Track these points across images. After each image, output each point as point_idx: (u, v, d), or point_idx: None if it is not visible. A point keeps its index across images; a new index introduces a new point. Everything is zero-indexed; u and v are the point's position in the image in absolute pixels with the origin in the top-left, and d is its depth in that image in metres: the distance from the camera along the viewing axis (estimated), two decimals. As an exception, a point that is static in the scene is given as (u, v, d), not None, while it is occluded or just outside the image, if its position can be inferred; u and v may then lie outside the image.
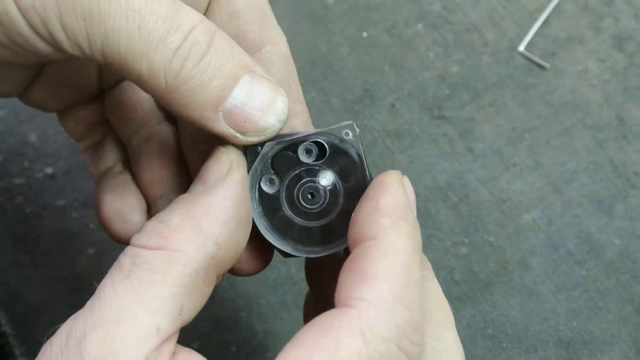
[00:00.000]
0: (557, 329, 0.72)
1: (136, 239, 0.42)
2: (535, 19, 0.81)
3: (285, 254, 0.49)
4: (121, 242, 0.55)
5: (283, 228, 0.48)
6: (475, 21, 0.81)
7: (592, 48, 0.80)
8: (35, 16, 0.40)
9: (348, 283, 0.41)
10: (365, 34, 0.82)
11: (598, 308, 0.72)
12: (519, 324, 0.72)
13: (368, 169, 0.48)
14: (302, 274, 0.74)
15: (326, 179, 0.48)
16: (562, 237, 0.74)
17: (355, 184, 0.48)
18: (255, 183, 0.48)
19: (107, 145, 0.58)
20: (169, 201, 0.52)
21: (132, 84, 0.56)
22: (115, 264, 0.42)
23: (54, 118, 0.79)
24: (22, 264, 0.76)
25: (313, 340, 0.39)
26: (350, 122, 0.48)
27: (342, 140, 0.47)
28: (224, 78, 0.43)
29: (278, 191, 0.48)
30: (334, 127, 0.48)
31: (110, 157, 0.58)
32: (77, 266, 0.76)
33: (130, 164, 0.57)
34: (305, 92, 0.79)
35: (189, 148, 0.55)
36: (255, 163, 0.47)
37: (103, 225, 0.55)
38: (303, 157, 0.48)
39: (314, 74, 0.80)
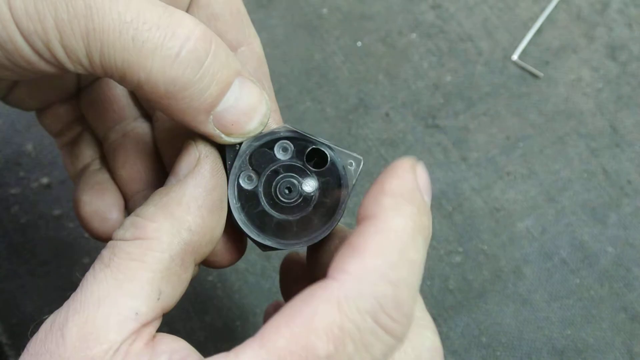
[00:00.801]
0: (551, 337, 0.72)
1: (116, 233, 0.44)
2: (528, 29, 0.82)
3: (265, 247, 0.50)
4: (101, 240, 0.56)
5: (262, 222, 0.50)
6: (469, 31, 0.82)
7: (585, 57, 0.80)
8: (38, 41, 0.41)
9: (339, 256, 0.41)
10: (359, 44, 0.82)
11: (592, 316, 0.73)
12: (513, 332, 0.72)
13: (342, 169, 0.49)
14: (297, 283, 0.74)
15: (310, 186, 0.49)
16: (556, 246, 0.75)
17: (330, 180, 0.49)
18: (234, 180, 0.49)
19: (84, 142, 0.59)
20: (145, 197, 0.54)
21: (108, 81, 0.57)
22: (97, 257, 0.43)
23: (49, 128, 0.80)
24: (18, 273, 0.76)
25: (293, 309, 0.39)
26: (361, 157, 0.50)
27: (318, 140, 0.49)
28: (220, 84, 0.44)
29: (256, 187, 0.49)
30: (342, 149, 0.49)
31: (87, 153, 0.59)
32: (73, 276, 0.76)
33: (107, 161, 0.58)
34: (300, 101, 0.79)
35: (164, 144, 0.56)
36: (234, 161, 0.49)
37: (82, 224, 0.56)
38: (279, 155, 0.49)
39: (308, 83, 0.81)
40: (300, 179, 0.49)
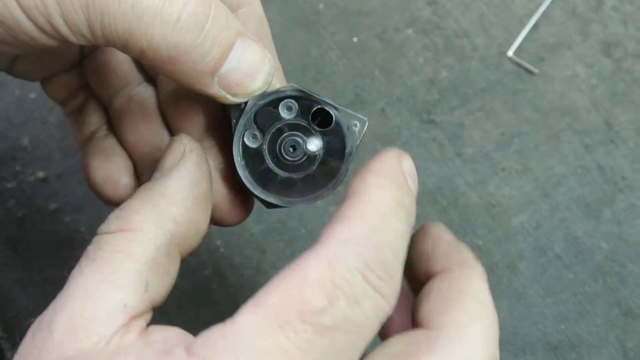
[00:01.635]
0: (546, 332, 0.73)
1: (100, 228, 0.44)
2: (524, 25, 0.82)
3: (269, 204, 0.51)
4: (113, 205, 0.56)
5: (266, 180, 0.51)
6: (465, 27, 0.82)
7: (581, 53, 0.81)
8: (39, 16, 0.42)
9: (325, 228, 0.41)
10: (355, 39, 0.82)
11: (586, 311, 0.73)
12: (508, 327, 0.73)
13: (346, 126, 0.50)
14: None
15: (314, 145, 0.50)
16: (550, 241, 0.75)
17: (335, 138, 0.50)
18: (239, 138, 0.50)
19: (89, 109, 0.60)
20: (153, 159, 0.55)
21: (110, 48, 0.58)
22: (83, 253, 0.43)
23: (46, 122, 0.80)
24: (14, 267, 0.76)
25: (283, 272, 0.39)
26: (366, 119, 0.51)
27: (322, 99, 0.50)
28: (222, 46, 0.45)
29: (261, 145, 0.50)
30: (347, 109, 0.50)
31: (93, 120, 0.59)
32: (69, 270, 0.76)
33: (113, 127, 0.59)
34: (296, 96, 0.80)
35: (168, 106, 0.57)
36: (239, 119, 0.50)
37: (94, 190, 0.57)
38: (284, 113, 0.50)
39: (305, 78, 0.81)
40: (304, 137, 0.50)
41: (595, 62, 0.80)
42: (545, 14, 0.82)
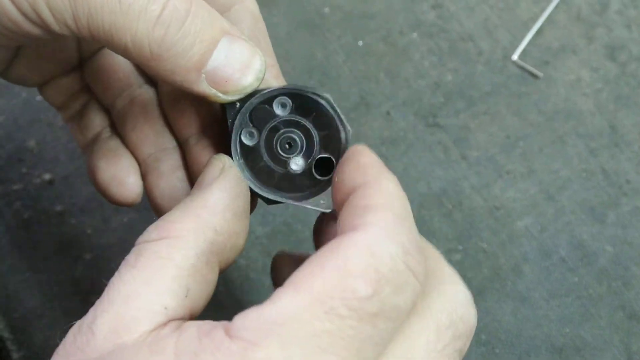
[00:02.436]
0: (550, 335, 0.73)
1: (140, 238, 0.44)
2: (528, 29, 0.82)
3: (269, 201, 0.52)
4: (120, 205, 0.57)
5: (265, 177, 0.51)
6: (470, 30, 0.82)
7: (585, 57, 0.81)
8: (24, 1, 0.42)
9: (350, 216, 0.42)
10: (360, 43, 0.83)
11: (590, 314, 0.73)
12: (512, 329, 0.73)
13: (341, 118, 0.50)
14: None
15: (297, 164, 0.51)
16: (555, 244, 0.75)
17: (329, 132, 0.50)
18: (236, 137, 0.50)
19: (91, 112, 0.60)
20: (157, 159, 0.56)
21: (110, 52, 0.58)
22: (123, 262, 0.44)
23: (52, 124, 0.80)
24: (20, 269, 0.77)
25: (323, 257, 0.39)
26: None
27: (315, 92, 0.50)
28: (205, 42, 0.45)
29: (258, 143, 0.51)
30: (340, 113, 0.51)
31: (96, 122, 0.60)
32: (75, 271, 0.76)
33: (116, 128, 0.59)
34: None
35: (169, 107, 0.57)
36: (235, 119, 0.50)
37: (101, 191, 0.57)
38: (278, 111, 0.50)
39: (310, 81, 0.81)
40: (299, 133, 0.50)
41: (600, 65, 0.81)
42: (549, 18, 0.82)
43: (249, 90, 0.48)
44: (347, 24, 0.83)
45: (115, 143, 0.58)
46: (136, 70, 0.59)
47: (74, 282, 0.76)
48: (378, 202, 0.42)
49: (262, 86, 0.49)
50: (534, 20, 0.83)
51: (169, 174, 0.56)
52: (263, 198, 0.52)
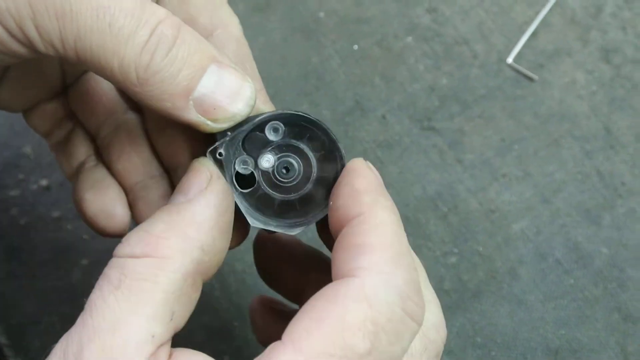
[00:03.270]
0: (546, 337, 0.73)
1: (121, 250, 0.43)
2: (523, 32, 0.82)
3: (271, 232, 0.51)
4: (108, 237, 0.56)
5: (264, 205, 0.50)
6: (465, 34, 0.82)
7: (580, 60, 0.81)
8: (10, 18, 0.41)
9: (344, 258, 0.42)
10: (355, 47, 0.83)
11: (586, 316, 0.73)
12: (508, 332, 0.73)
13: (333, 136, 0.49)
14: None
15: (267, 160, 0.50)
16: (551, 247, 0.75)
17: (325, 153, 0.50)
18: (231, 167, 0.49)
19: (76, 140, 0.59)
20: (145, 186, 0.55)
21: (95, 76, 0.57)
22: (103, 276, 0.43)
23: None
24: (17, 275, 0.77)
25: (320, 310, 0.40)
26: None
27: (304, 114, 0.49)
28: (192, 68, 0.44)
29: (253, 171, 0.49)
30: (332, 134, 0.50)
31: (81, 150, 0.59)
32: (72, 277, 0.76)
33: (101, 156, 0.58)
34: (297, 103, 0.80)
35: (155, 133, 0.56)
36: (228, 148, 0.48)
37: (88, 223, 0.56)
38: (271, 136, 0.49)
39: (306, 86, 0.81)
40: (296, 157, 0.50)
41: (595, 68, 0.81)
42: (544, 21, 0.83)
43: (239, 118, 0.47)
44: (342, 28, 0.83)
45: (101, 173, 0.57)
46: (121, 97, 0.58)
47: (70, 288, 0.76)
48: (373, 242, 0.42)
49: (251, 113, 0.48)
50: (528, 23, 0.83)
51: (159, 202, 0.55)
52: (266, 231, 0.50)
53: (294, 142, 0.50)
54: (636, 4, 0.83)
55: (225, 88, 0.45)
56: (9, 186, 0.79)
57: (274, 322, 0.61)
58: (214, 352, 0.73)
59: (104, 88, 0.58)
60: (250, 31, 0.84)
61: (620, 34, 0.82)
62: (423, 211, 0.77)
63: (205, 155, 0.48)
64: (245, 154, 0.49)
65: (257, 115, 0.49)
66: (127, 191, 0.57)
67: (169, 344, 0.43)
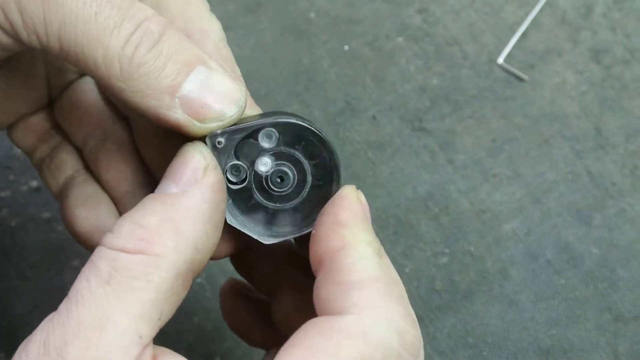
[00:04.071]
0: (537, 337, 0.73)
1: (111, 241, 0.41)
2: (513, 32, 0.83)
3: (264, 244, 0.49)
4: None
5: (256, 214, 0.48)
6: (455, 34, 0.83)
7: (570, 60, 0.81)
8: None
9: (333, 294, 0.42)
10: (346, 47, 0.83)
11: (577, 316, 0.73)
12: (499, 332, 0.73)
13: (329, 142, 0.48)
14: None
15: (264, 164, 0.48)
16: (541, 247, 0.76)
17: (320, 160, 0.48)
18: (222, 177, 0.47)
19: (63, 153, 0.57)
20: (134, 196, 0.53)
21: (82, 86, 0.56)
22: (91, 266, 0.41)
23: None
24: (8, 276, 0.76)
25: (313, 342, 0.40)
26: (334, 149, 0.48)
27: (300, 119, 0.47)
28: (178, 65, 0.43)
29: (246, 180, 0.48)
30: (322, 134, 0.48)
31: (69, 164, 0.57)
32: (63, 278, 0.76)
33: (90, 169, 0.57)
34: (288, 104, 0.80)
35: (144, 143, 0.55)
36: (219, 156, 0.46)
37: (81, 240, 0.55)
38: (264, 143, 0.47)
39: (296, 86, 0.81)
40: (290, 166, 0.48)
41: (585, 68, 0.81)
42: (534, 22, 0.83)
43: (228, 118, 0.45)
44: (333, 29, 0.83)
45: (92, 188, 0.55)
46: (108, 107, 0.57)
47: (61, 289, 0.76)
48: (361, 278, 0.42)
49: (243, 120, 0.46)
50: (519, 23, 0.83)
51: None
52: (258, 242, 0.48)
53: (287, 149, 0.48)
54: (626, 4, 0.83)
55: (213, 87, 0.44)
56: (0, 187, 0.79)
57: (244, 308, 0.60)
58: (204, 353, 0.73)
59: (91, 99, 0.56)
60: (241, 32, 0.84)
61: (610, 35, 0.82)
62: (414, 212, 0.77)
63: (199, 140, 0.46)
64: (238, 161, 0.47)
65: (249, 120, 0.47)
66: (115, 201, 0.55)
67: (152, 343, 0.41)
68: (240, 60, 0.52)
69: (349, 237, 0.43)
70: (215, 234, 0.45)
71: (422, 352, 0.44)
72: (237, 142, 0.47)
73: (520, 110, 0.80)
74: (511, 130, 0.79)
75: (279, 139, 0.47)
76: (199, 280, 0.75)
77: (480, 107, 0.80)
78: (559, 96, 0.80)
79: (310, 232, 0.47)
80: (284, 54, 0.83)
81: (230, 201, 0.48)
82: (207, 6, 0.53)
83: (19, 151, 0.80)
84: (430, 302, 0.74)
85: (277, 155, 0.48)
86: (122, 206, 0.55)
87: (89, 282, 0.40)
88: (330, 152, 0.48)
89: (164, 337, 0.43)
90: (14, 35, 0.42)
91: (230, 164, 0.47)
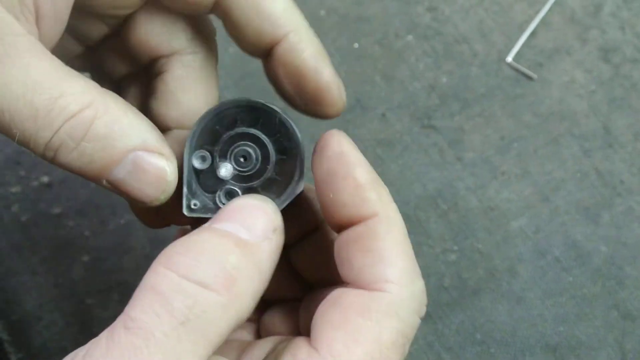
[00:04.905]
0: (545, 334, 0.73)
1: (189, 271, 0.39)
2: (523, 31, 0.83)
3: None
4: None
5: (229, 198, 0.48)
6: (465, 33, 0.83)
7: (579, 59, 0.82)
8: None
9: (368, 265, 0.43)
10: (356, 45, 0.83)
11: (584, 314, 0.74)
12: (507, 329, 0.73)
13: (285, 116, 0.49)
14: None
15: (225, 170, 0.48)
16: (549, 245, 0.76)
17: (279, 137, 0.49)
18: (189, 166, 0.48)
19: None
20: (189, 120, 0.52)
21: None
22: (161, 299, 0.38)
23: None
24: (18, 271, 0.77)
25: (356, 325, 0.41)
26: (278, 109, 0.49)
27: (252, 101, 0.48)
28: (101, 162, 0.42)
29: (212, 164, 0.48)
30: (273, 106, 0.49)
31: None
32: (73, 274, 0.76)
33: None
34: (297, 102, 0.80)
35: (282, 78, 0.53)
36: (187, 142, 0.48)
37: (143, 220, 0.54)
38: (224, 127, 0.48)
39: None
40: (252, 145, 0.48)
41: (594, 67, 0.81)
42: (544, 20, 0.83)
43: (155, 202, 0.44)
44: (343, 26, 0.84)
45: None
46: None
47: (71, 284, 0.76)
48: (392, 250, 0.43)
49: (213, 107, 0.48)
50: (528, 22, 0.83)
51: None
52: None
53: (246, 129, 0.48)
54: (635, 3, 0.83)
55: (140, 176, 0.43)
56: (10, 183, 0.79)
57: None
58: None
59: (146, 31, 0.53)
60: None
61: (619, 34, 0.82)
62: (423, 209, 0.77)
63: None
64: (201, 148, 0.48)
65: (210, 110, 0.48)
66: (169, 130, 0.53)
67: None
68: (250, 59, 0.52)
69: (377, 200, 0.44)
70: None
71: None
72: (200, 131, 0.48)
73: (529, 109, 0.80)
74: (520, 128, 0.79)
75: (238, 122, 0.48)
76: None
77: (489, 106, 0.80)
78: (567, 95, 0.80)
79: (289, 203, 0.48)
80: (294, 51, 0.83)
81: (201, 190, 0.48)
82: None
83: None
84: (438, 298, 0.74)
85: (238, 137, 0.48)
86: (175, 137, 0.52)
87: (161, 318, 0.37)
88: (282, 123, 0.49)
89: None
90: None
91: (195, 153, 0.48)
